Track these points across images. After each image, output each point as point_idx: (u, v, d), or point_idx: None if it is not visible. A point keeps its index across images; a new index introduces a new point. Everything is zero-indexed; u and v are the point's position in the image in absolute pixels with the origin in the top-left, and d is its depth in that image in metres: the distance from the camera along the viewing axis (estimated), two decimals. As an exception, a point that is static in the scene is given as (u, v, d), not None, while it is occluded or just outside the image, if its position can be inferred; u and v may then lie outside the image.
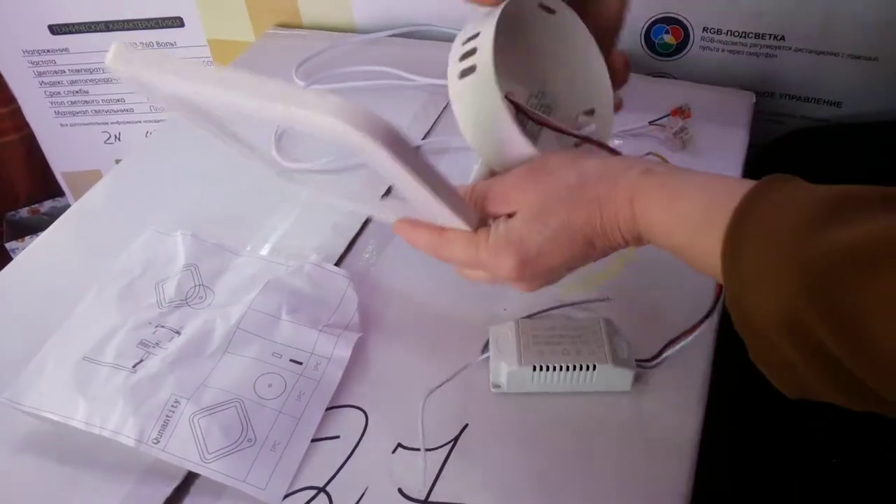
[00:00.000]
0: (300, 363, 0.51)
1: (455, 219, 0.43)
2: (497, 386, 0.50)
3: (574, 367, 0.49)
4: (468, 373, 0.50)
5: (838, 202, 0.32)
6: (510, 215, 0.44)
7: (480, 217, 0.45)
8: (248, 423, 0.47)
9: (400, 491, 0.45)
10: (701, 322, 0.48)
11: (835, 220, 0.31)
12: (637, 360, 0.50)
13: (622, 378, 0.49)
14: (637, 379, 0.50)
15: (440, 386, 0.49)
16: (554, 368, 0.49)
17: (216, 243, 0.60)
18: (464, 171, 0.50)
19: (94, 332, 0.52)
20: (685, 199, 0.38)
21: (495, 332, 0.51)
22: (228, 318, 0.52)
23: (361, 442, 0.48)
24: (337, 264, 0.59)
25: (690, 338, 0.48)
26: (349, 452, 0.47)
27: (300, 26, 0.96)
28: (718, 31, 0.83)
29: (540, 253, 0.42)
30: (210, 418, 0.46)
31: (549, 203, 0.42)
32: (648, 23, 0.84)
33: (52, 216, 1.09)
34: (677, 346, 0.49)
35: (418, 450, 0.47)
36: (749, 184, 0.36)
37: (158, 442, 0.45)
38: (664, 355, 0.49)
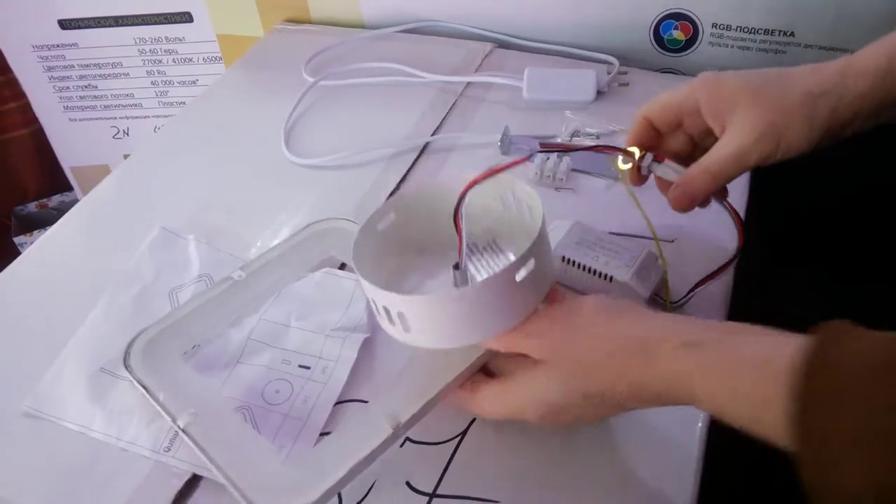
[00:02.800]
0: (308, 368, 0.51)
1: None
2: None
3: (594, 272, 0.52)
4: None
5: None
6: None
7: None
8: (255, 429, 0.48)
9: (408, 484, 0.45)
10: (725, 267, 0.54)
11: None
12: (658, 297, 0.54)
13: (634, 298, 0.51)
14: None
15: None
16: (578, 266, 0.53)
17: (229, 253, 0.60)
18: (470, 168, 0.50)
19: (110, 344, 0.52)
20: (735, 378, 0.35)
21: (554, 223, 0.56)
22: (241, 329, 0.53)
23: (370, 437, 0.48)
24: (342, 268, 0.59)
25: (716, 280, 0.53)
26: (357, 447, 0.47)
27: (309, 21, 0.96)
28: (728, 27, 0.82)
29: (537, 418, 0.43)
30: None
31: (565, 390, 0.41)
32: (657, 18, 0.84)
33: (61, 211, 1.09)
34: (704, 287, 0.53)
35: (426, 444, 0.47)
36: (803, 342, 0.33)
37: (169, 450, 0.47)
38: (692, 294, 0.53)
